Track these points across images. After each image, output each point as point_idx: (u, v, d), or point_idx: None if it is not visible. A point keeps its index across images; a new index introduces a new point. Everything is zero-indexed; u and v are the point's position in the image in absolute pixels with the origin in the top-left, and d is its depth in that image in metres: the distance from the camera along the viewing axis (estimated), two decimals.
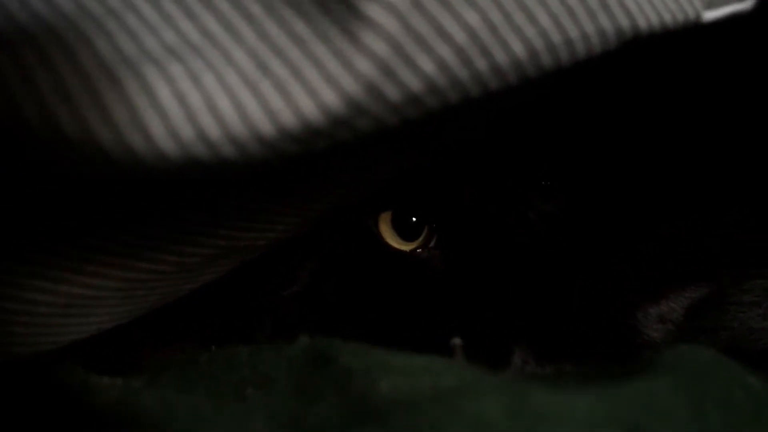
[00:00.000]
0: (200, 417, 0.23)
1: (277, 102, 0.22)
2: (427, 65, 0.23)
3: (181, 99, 0.22)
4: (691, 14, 0.28)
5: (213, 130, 0.22)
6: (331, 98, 0.23)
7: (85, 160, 0.22)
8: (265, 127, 0.22)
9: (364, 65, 0.23)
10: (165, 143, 0.22)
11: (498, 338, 0.30)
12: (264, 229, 0.30)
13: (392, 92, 0.23)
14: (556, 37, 0.25)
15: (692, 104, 0.33)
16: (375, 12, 0.23)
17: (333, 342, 0.26)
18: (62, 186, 0.24)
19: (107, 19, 0.22)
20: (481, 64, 0.24)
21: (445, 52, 0.24)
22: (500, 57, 0.24)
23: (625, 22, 0.26)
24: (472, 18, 0.24)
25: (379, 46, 0.23)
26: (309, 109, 0.23)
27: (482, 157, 0.33)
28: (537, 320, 0.30)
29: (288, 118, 0.23)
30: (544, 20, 0.25)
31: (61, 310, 0.28)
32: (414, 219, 0.34)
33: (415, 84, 0.23)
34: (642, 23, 0.26)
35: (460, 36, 0.24)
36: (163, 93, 0.22)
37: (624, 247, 0.32)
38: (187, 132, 0.22)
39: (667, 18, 0.27)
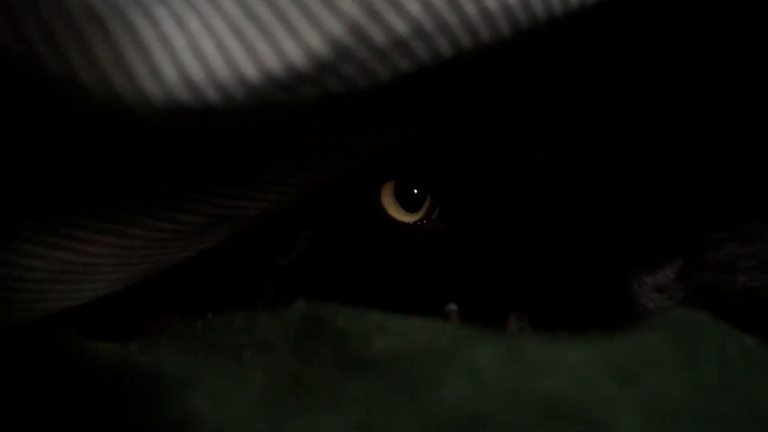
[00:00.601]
0: (196, 375, 0.24)
1: (261, 45, 0.22)
2: (413, 6, 0.23)
3: (165, 41, 0.22)
4: None
5: (197, 73, 0.22)
6: (315, 41, 0.23)
7: (67, 100, 0.22)
8: (250, 71, 0.22)
9: (346, 4, 0.23)
10: (148, 84, 0.22)
11: (494, 304, 0.30)
12: (257, 198, 0.30)
13: (378, 35, 0.23)
14: None
15: (694, 97, 0.33)
16: None
17: (329, 306, 0.26)
18: (51, 136, 0.24)
19: None
20: (470, 8, 0.24)
21: None
22: (490, 2, 0.24)
23: None
24: None
25: None
26: (293, 52, 0.23)
27: (485, 128, 0.33)
28: (533, 287, 0.31)
29: (273, 62, 0.22)
30: None
31: (55, 276, 0.28)
32: (416, 191, 0.34)
33: (401, 26, 0.23)
34: None
35: None
36: (147, 34, 0.22)
37: (622, 219, 0.33)
38: (170, 74, 0.22)
39: None
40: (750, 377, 0.23)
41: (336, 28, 0.23)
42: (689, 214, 0.33)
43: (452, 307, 0.29)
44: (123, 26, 0.22)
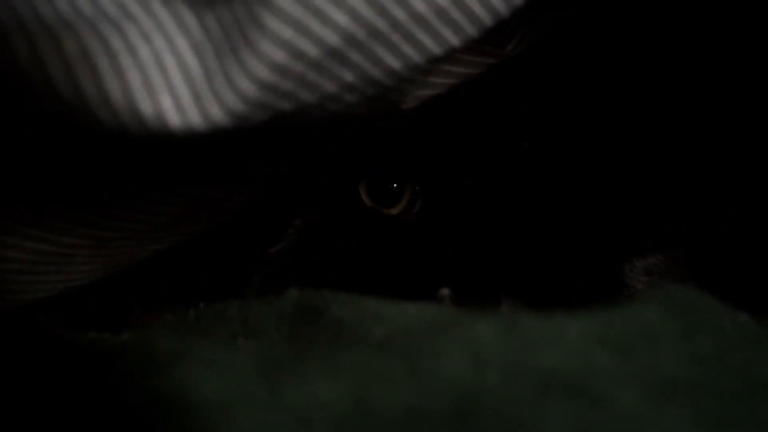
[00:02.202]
0: (189, 348, 0.23)
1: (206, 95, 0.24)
2: (341, 17, 0.24)
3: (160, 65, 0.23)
4: None
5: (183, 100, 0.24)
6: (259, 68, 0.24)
7: (72, 112, 0.23)
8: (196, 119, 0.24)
9: (281, 29, 0.24)
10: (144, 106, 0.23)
11: (486, 288, 0.30)
12: (232, 192, 0.30)
13: (311, 49, 0.24)
14: None
15: (693, 100, 0.34)
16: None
17: (323, 294, 0.26)
18: (45, 138, 0.24)
19: None
20: (400, 14, 0.25)
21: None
22: (419, 4, 0.25)
23: None
24: None
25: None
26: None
27: (471, 119, 0.33)
28: (524, 271, 0.31)
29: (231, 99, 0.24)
30: None
31: (29, 266, 0.28)
32: (394, 185, 0.34)
33: (332, 38, 0.24)
34: None
35: None
36: (144, 51, 0.23)
37: (614, 205, 0.33)
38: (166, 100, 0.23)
39: None
40: (744, 349, 0.24)
41: (278, 55, 0.23)
42: (681, 202, 0.33)
43: (445, 291, 0.29)
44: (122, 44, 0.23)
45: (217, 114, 0.23)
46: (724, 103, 0.33)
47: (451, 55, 0.27)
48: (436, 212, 0.33)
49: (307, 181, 0.33)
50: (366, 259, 0.33)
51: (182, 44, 0.23)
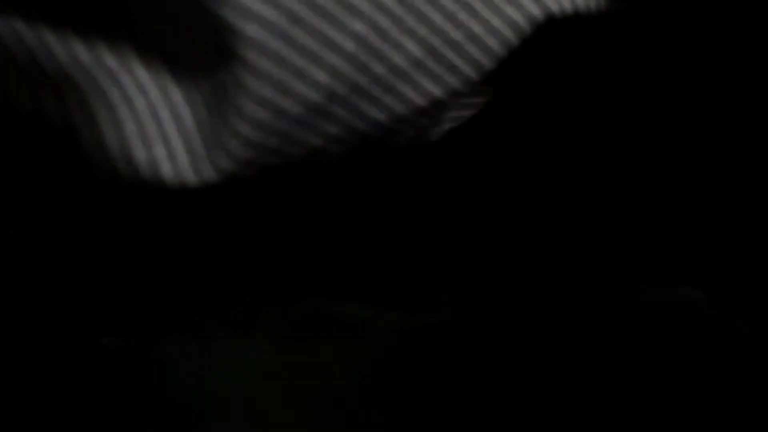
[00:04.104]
0: (207, 362, 0.24)
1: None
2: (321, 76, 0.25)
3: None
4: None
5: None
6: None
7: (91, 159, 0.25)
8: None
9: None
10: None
11: (482, 296, 0.31)
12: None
13: (291, 107, 0.25)
14: (455, 34, 0.27)
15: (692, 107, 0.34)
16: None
17: (331, 302, 0.27)
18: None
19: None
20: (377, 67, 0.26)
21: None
22: (397, 58, 0.26)
23: (534, 9, 0.27)
24: (360, 27, 0.25)
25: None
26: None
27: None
28: (521, 282, 0.31)
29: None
30: (438, 19, 0.26)
31: None
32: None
33: (313, 96, 0.25)
34: (554, 7, 0.28)
35: (349, 45, 0.25)
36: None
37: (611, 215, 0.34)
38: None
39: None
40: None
41: (261, 114, 0.25)
42: (682, 208, 0.34)
43: (442, 297, 0.29)
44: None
45: (208, 170, 0.25)
46: (724, 105, 0.34)
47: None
48: (432, 220, 0.34)
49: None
50: (365, 264, 0.34)
51: (176, 95, 0.25)
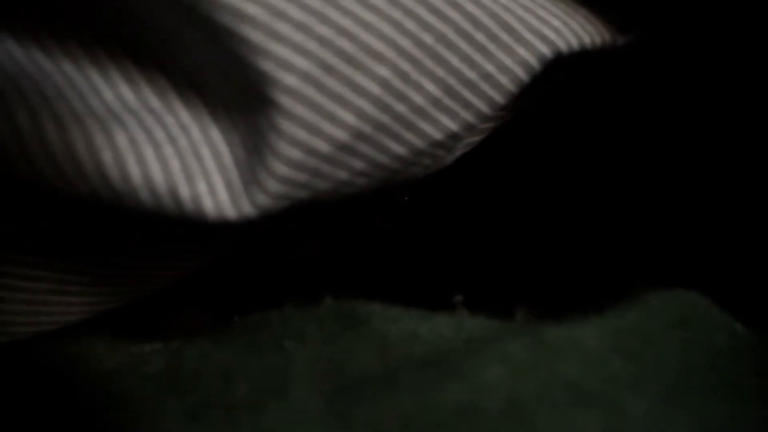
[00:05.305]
0: (241, 368, 0.26)
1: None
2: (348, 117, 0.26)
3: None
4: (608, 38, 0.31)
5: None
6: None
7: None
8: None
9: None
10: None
11: (500, 297, 0.32)
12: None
13: (322, 146, 0.27)
14: (470, 74, 0.28)
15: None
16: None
17: (359, 302, 0.28)
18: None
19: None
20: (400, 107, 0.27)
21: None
22: (417, 98, 0.28)
23: (544, 48, 0.29)
24: (384, 71, 0.27)
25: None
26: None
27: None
28: (537, 282, 0.33)
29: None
30: (455, 61, 0.28)
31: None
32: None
33: (341, 135, 0.27)
34: (562, 46, 0.29)
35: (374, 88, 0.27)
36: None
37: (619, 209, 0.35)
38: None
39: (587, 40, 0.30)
40: (738, 362, 0.26)
41: (295, 153, 0.26)
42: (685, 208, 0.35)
43: (458, 298, 0.31)
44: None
45: (246, 206, 0.26)
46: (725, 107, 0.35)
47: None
48: (442, 226, 0.36)
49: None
50: (382, 264, 0.36)
51: (215, 134, 0.27)
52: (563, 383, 0.23)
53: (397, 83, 0.27)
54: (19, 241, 0.29)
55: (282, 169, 0.26)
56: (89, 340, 0.30)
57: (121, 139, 0.25)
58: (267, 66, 0.25)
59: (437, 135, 0.29)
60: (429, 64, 0.27)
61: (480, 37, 0.28)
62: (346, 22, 0.26)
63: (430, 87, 0.28)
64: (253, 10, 0.25)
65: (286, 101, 0.25)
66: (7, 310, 0.30)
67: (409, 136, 0.28)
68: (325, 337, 0.27)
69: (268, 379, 0.25)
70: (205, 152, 0.27)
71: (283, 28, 0.25)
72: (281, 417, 0.23)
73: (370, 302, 0.28)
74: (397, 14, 0.27)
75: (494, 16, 0.28)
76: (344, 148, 0.27)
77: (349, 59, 0.26)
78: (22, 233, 0.29)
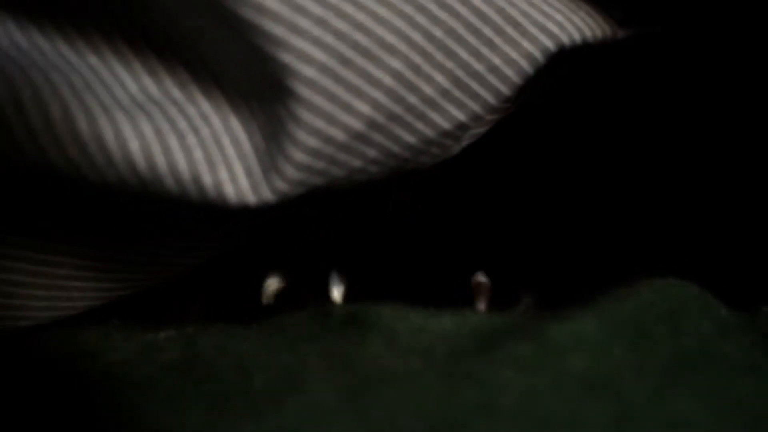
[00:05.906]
0: (256, 362, 0.27)
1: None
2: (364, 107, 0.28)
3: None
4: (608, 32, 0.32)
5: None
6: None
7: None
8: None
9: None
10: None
11: (506, 285, 0.34)
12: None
13: (338, 135, 0.28)
14: (478, 66, 0.29)
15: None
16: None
17: (369, 305, 0.29)
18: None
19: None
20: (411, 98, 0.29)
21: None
22: (427, 89, 0.29)
23: (548, 42, 0.30)
24: (397, 64, 0.28)
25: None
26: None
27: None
28: (543, 271, 0.34)
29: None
30: (463, 54, 0.29)
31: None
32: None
33: (357, 125, 0.28)
34: (565, 39, 0.31)
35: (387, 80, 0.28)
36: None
37: (617, 214, 0.37)
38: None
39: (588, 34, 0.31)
40: (726, 342, 0.28)
41: (312, 141, 0.27)
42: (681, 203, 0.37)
43: (481, 278, 0.33)
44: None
45: (265, 192, 0.28)
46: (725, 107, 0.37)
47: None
48: (449, 220, 0.37)
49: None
50: (395, 252, 0.37)
51: (235, 123, 0.28)
52: (571, 377, 0.25)
53: (409, 75, 0.28)
54: (42, 228, 0.30)
55: (300, 156, 0.27)
56: (104, 329, 0.30)
57: (147, 130, 0.26)
58: (287, 58, 0.26)
59: (446, 125, 0.30)
60: (439, 56, 0.29)
61: (487, 31, 0.29)
62: (361, 17, 0.27)
63: (440, 78, 0.29)
64: (274, 5, 0.26)
65: (305, 92, 0.27)
66: (27, 295, 0.31)
67: (419, 125, 0.29)
68: (336, 338, 0.28)
69: (283, 373, 0.26)
70: (226, 141, 0.28)
71: (303, 23, 0.26)
72: (301, 409, 0.25)
73: (377, 304, 0.29)
74: (409, 9, 0.28)
75: (500, 11, 0.30)
76: (359, 136, 0.28)
77: (364, 52, 0.27)
78: (47, 222, 0.30)
